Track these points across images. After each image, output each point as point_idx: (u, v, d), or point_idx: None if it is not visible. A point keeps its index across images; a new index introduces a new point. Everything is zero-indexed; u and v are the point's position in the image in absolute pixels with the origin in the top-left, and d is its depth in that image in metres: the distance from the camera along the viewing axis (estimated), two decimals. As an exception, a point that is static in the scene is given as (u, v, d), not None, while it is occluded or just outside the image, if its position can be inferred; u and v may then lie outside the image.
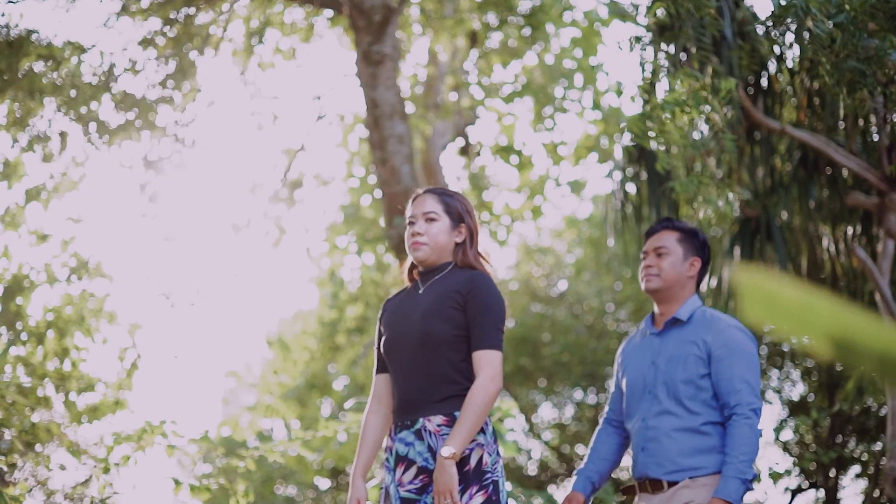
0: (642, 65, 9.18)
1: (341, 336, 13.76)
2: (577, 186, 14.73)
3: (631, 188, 10.23)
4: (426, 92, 12.42)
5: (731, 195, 6.40)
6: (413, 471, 4.11)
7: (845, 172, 9.19)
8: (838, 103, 8.23)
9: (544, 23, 11.37)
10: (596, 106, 13.22)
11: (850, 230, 9.23)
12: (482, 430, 4.14)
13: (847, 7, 5.47)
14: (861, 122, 8.72)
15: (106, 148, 10.05)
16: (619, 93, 13.11)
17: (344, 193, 13.91)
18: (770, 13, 7.03)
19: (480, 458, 4.10)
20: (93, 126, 9.75)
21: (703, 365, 4.64)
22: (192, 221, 11.96)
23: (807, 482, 13.23)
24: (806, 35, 7.18)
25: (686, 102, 5.83)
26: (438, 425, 4.12)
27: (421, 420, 4.15)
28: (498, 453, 4.20)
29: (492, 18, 11.35)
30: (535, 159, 13.99)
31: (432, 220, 4.30)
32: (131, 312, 11.09)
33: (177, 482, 5.44)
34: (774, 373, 14.94)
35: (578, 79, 13.24)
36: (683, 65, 6.59)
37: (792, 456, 14.16)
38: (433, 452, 4.10)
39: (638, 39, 6.56)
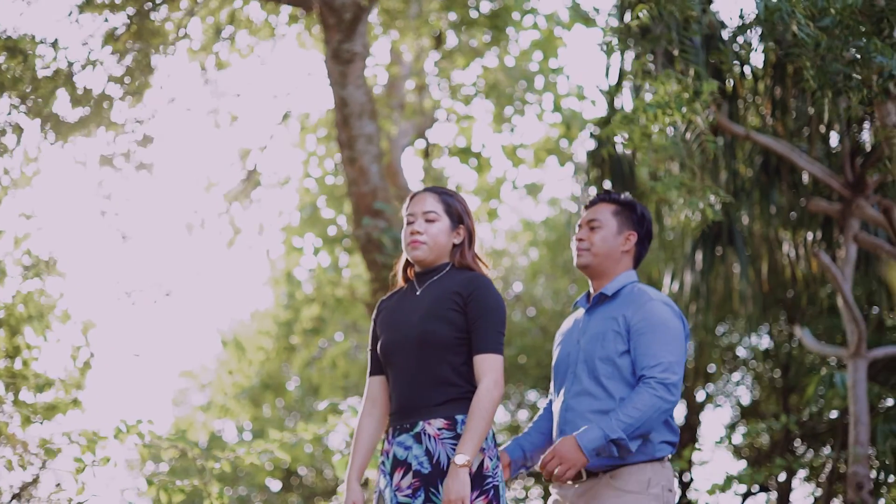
0: (608, 68, 9.20)
1: (297, 337, 13.68)
2: (533, 189, 14.75)
3: (593, 192, 10.26)
4: (388, 92, 12.37)
5: (712, 198, 6.41)
6: (409, 475, 4.06)
7: (805, 178, 9.28)
8: (802, 109, 8.32)
9: (507, 24, 11.38)
10: (556, 109, 13.22)
11: (809, 236, 9.33)
12: None
13: (832, 11, 5.49)
14: (822, 129, 8.82)
15: (62, 144, 9.91)
16: (581, 97, 13.14)
17: (301, 193, 13.83)
18: (748, 17, 7.07)
19: (482, 463, 4.07)
20: (49, 121, 9.61)
21: (621, 341, 4.42)
22: (149, 219, 11.83)
23: (756, 486, 13.33)
24: (775, 41, 7.23)
25: (669, 105, 5.83)
26: (439, 429, 4.09)
27: (421, 423, 4.11)
28: (498, 458, 4.16)
29: (454, 18, 11.33)
30: (493, 161, 13.98)
31: (432, 220, 4.24)
32: (85, 310, 10.94)
33: (150, 482, 5.37)
34: (725, 376, 15.06)
35: (539, 81, 13.24)
36: (665, 67, 6.61)
37: (742, 458, 14.27)
38: (430, 456, 4.06)
39: (621, 41, 6.55)
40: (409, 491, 4.05)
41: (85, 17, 9.52)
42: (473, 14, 11.02)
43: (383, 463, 4.20)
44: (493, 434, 4.18)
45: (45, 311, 10.44)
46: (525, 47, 13.14)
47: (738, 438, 14.04)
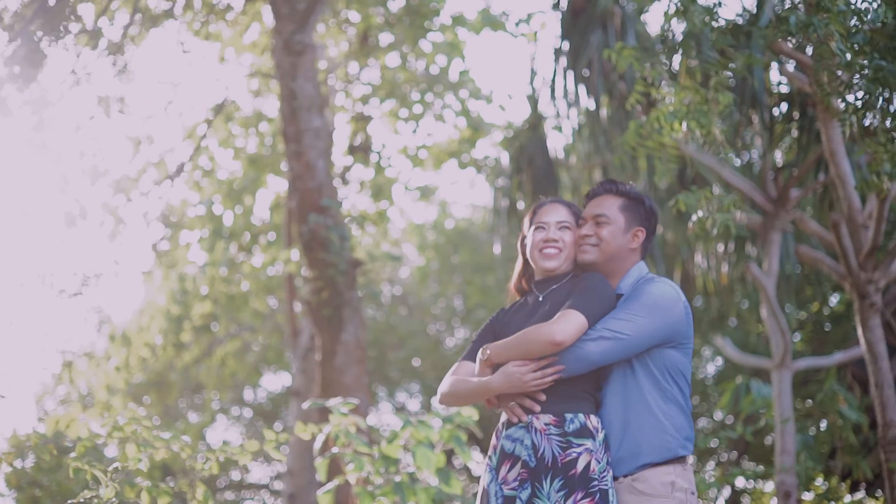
0: (533, 73, 9.17)
1: (186, 334, 13.33)
2: (426, 192, 14.66)
3: (502, 200, 10.27)
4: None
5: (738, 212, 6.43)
6: (518, 467, 4.14)
7: (717, 191, 9.41)
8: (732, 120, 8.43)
9: (428, 23, 11.30)
10: (464, 112, 13.15)
11: (720, 247, 9.48)
12: (592, 437, 4.11)
13: (863, 29, 5.51)
14: (739, 143, 8.98)
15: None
16: (489, 99, 13.11)
17: (192, 187, 13.51)
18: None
19: (588, 464, 4.08)
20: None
21: None
22: (37, 207, 11.44)
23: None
24: (697, 52, 7.30)
25: (687, 115, 5.84)
26: (546, 424, 4.15)
27: (530, 417, 4.18)
28: (608, 462, 4.13)
29: (380, 15, 11.21)
30: (392, 162, 13.83)
31: (568, 228, 4.39)
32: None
33: (133, 485, 5.12)
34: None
35: (444, 84, 13.15)
36: (675, 78, 6.60)
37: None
38: (535, 450, 4.12)
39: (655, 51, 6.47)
40: (516, 483, 4.13)
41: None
42: (393, 10, 10.90)
43: (490, 458, 4.28)
44: (605, 438, 4.17)
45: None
46: (429, 50, 13.02)
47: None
